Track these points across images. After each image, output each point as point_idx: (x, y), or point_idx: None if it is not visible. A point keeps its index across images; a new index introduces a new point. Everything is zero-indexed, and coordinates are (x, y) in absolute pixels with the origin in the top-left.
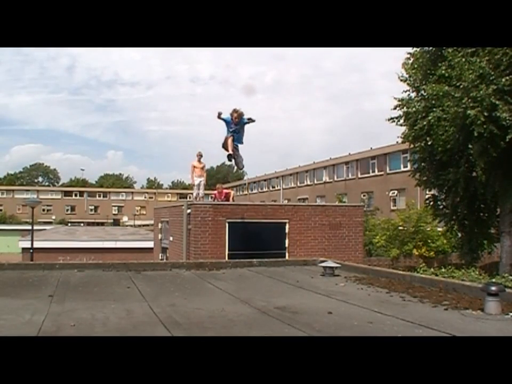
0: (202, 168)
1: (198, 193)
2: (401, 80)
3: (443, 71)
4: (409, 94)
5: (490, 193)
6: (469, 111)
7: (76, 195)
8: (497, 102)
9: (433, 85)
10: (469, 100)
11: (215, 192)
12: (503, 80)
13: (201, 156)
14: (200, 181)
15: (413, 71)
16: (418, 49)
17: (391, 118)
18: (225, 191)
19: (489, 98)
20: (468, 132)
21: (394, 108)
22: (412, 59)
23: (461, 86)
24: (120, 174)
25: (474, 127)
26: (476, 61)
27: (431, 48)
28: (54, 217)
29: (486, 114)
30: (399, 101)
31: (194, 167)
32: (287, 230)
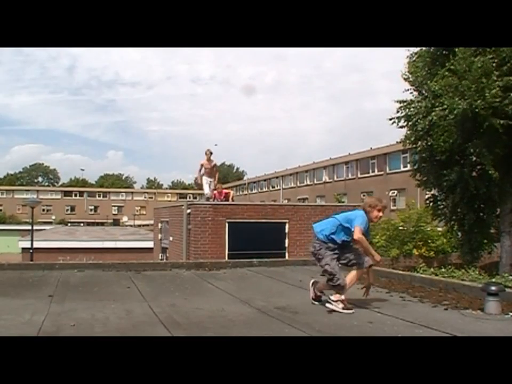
0: (212, 168)
1: (209, 193)
2: (404, 79)
3: (451, 65)
4: (411, 93)
5: (496, 192)
6: (474, 103)
7: (75, 195)
8: (502, 95)
9: (439, 80)
10: (476, 90)
11: (215, 192)
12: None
13: (211, 153)
14: (211, 182)
15: (415, 69)
16: (420, 48)
17: (392, 118)
18: (224, 191)
19: (497, 90)
20: (470, 127)
21: (397, 111)
22: (413, 57)
23: (468, 78)
24: (120, 174)
25: (482, 119)
26: (479, 59)
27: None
28: (54, 217)
29: (495, 102)
30: (400, 103)
31: (203, 166)
32: (287, 230)
